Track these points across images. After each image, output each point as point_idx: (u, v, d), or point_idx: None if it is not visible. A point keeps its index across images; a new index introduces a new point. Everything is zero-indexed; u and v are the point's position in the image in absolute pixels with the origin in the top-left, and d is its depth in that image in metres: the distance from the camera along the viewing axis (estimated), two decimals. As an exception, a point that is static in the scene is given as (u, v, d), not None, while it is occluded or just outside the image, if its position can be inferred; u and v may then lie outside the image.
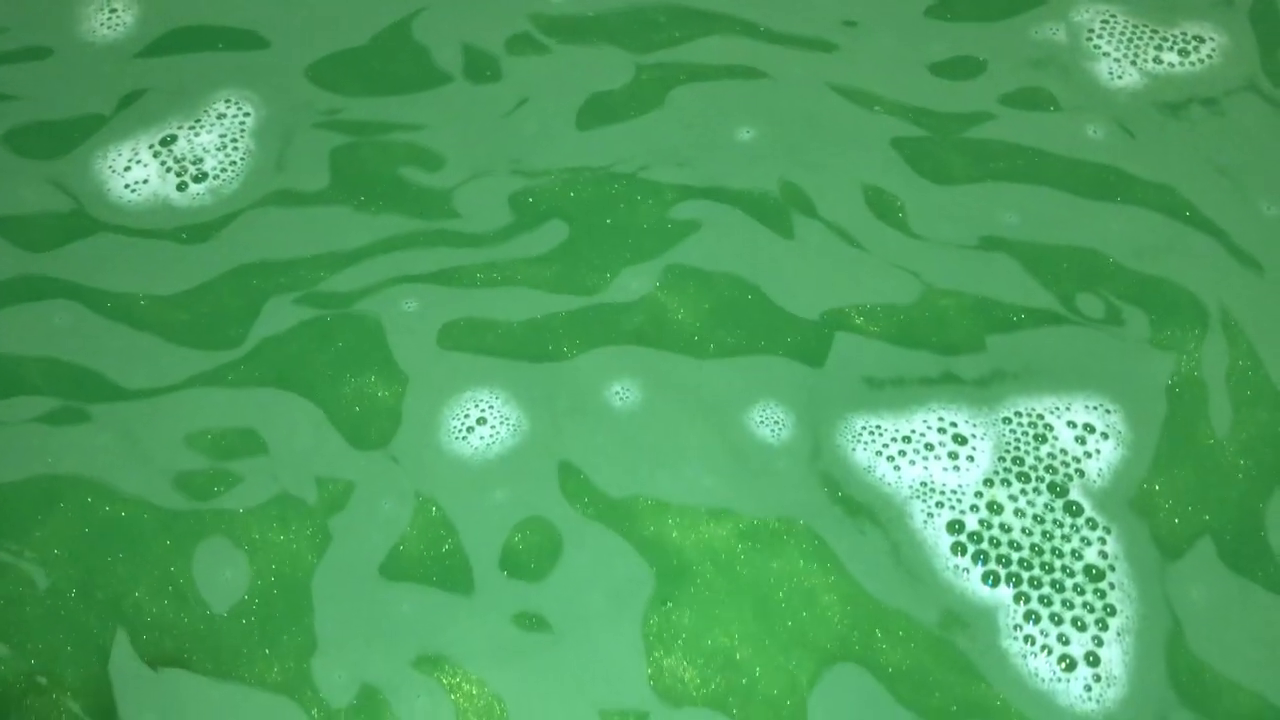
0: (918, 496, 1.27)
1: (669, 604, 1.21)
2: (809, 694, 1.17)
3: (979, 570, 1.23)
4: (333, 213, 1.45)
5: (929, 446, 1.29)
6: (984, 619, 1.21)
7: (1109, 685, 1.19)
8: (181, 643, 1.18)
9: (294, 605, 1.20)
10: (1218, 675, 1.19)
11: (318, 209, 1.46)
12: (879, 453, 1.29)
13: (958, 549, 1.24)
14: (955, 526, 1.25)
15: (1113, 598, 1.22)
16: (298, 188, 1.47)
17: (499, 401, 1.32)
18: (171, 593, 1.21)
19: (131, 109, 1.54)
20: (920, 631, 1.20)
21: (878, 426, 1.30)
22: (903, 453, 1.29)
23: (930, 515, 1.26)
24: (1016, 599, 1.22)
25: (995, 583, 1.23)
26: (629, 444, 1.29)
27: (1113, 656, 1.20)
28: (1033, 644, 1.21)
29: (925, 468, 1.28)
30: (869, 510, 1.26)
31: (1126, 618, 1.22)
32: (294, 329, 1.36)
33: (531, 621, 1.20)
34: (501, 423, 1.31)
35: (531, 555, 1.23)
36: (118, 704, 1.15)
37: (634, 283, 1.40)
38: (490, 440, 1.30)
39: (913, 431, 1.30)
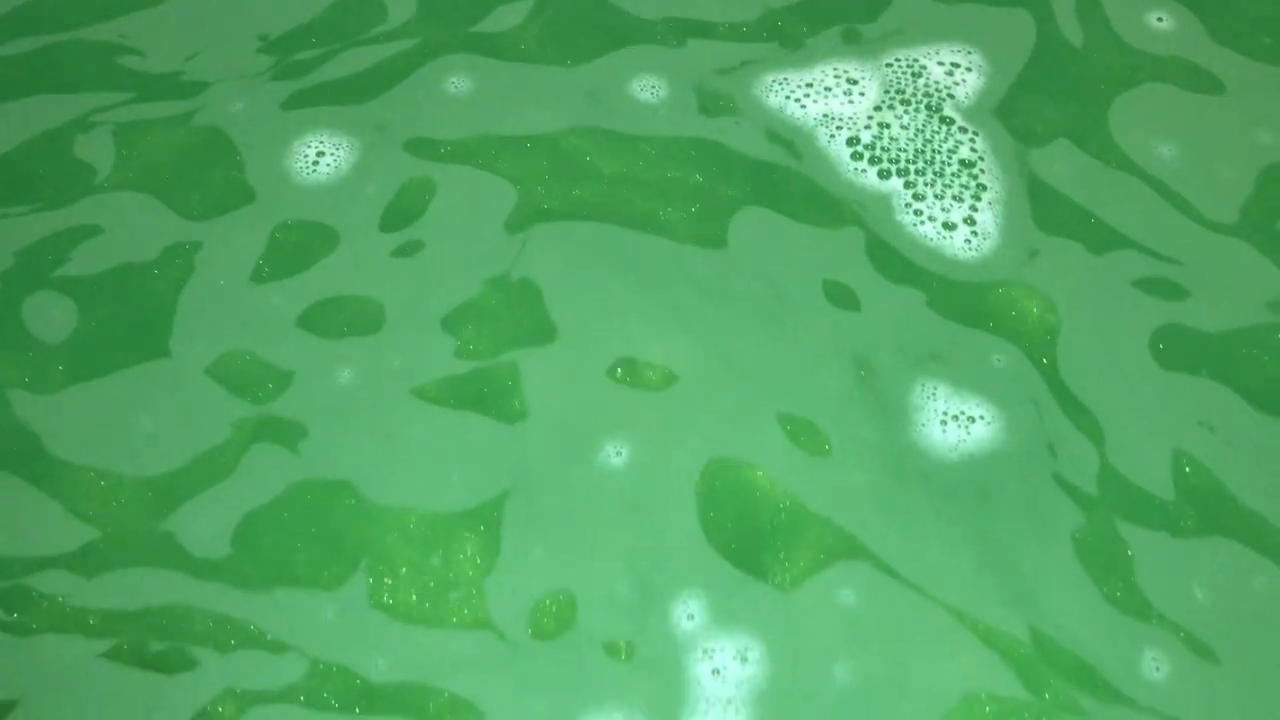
0: (821, 125, 1.59)
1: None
2: (729, 221, 1.50)
3: (874, 170, 1.56)
4: None
5: (827, 88, 1.62)
6: (881, 203, 1.53)
7: (984, 239, 1.51)
8: None
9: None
10: (1074, 205, 1.52)
11: None
12: (788, 97, 1.62)
13: (856, 157, 1.56)
14: (853, 141, 1.57)
15: (983, 179, 1.55)
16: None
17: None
18: None
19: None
20: (828, 214, 1.52)
21: (785, 78, 1.63)
22: (807, 95, 1.61)
23: (833, 136, 1.58)
24: (905, 186, 1.54)
25: (887, 176, 1.55)
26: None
27: (986, 219, 1.52)
28: (920, 215, 1.53)
29: (826, 104, 1.61)
30: (785, 139, 1.58)
31: (995, 192, 1.54)
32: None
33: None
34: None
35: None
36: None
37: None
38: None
39: (814, 79, 1.63)
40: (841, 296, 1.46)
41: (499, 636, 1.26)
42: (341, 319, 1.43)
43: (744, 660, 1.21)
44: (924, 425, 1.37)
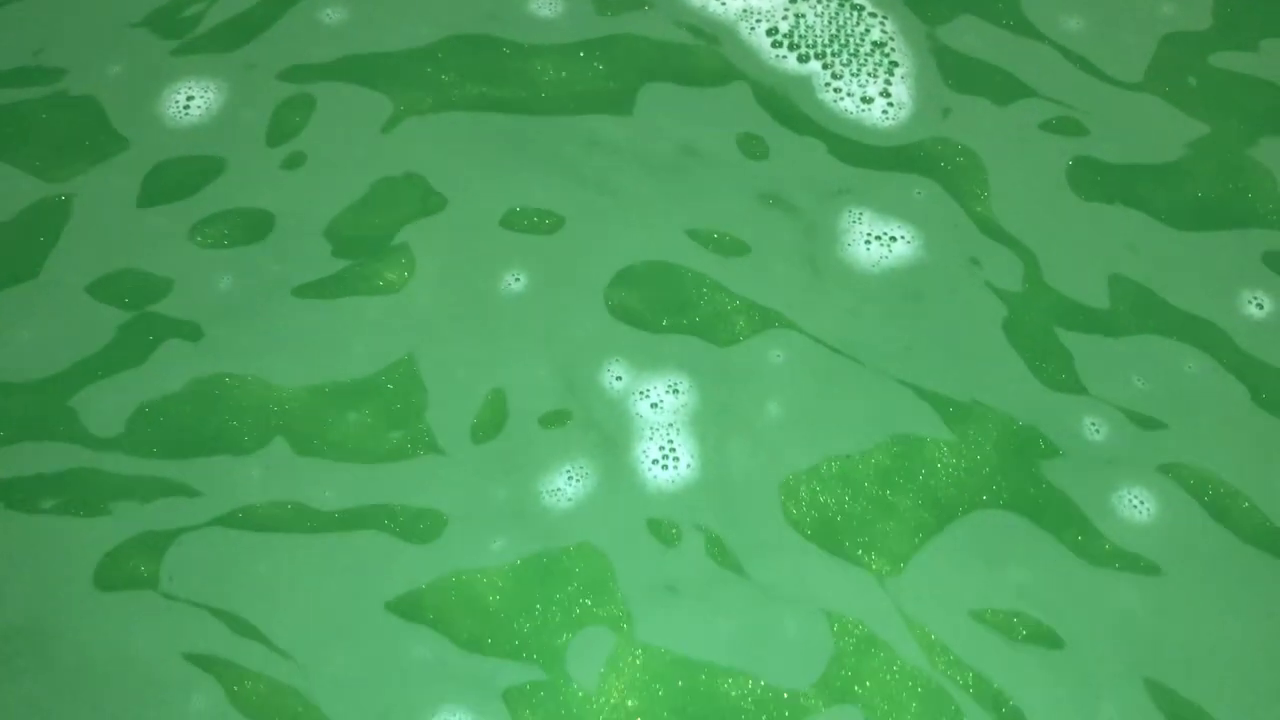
0: (742, 19, 1.67)
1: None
2: (636, 94, 1.55)
3: (794, 55, 1.63)
4: None
5: (745, -10, 1.71)
6: (801, 84, 1.60)
7: (900, 109, 1.58)
8: None
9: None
10: (983, 66, 1.59)
11: None
12: (708, -2, 1.71)
13: (776, 45, 1.64)
14: (772, 32, 1.65)
15: (895, 57, 1.62)
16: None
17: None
18: None
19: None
20: (750, 101, 1.58)
21: (705, -18, 1.72)
22: (727, -5, 1.70)
23: (753, 28, 1.66)
24: (824, 68, 1.61)
25: (806, 60, 1.62)
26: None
27: (900, 91, 1.59)
28: (840, 93, 1.59)
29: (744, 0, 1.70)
30: (708, 35, 1.66)
31: (907, 67, 1.61)
32: None
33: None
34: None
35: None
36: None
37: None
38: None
39: (733, -19, 1.72)
40: (755, 148, 1.50)
41: (444, 453, 1.26)
42: (226, 232, 1.44)
43: (676, 392, 1.23)
44: (849, 245, 1.40)
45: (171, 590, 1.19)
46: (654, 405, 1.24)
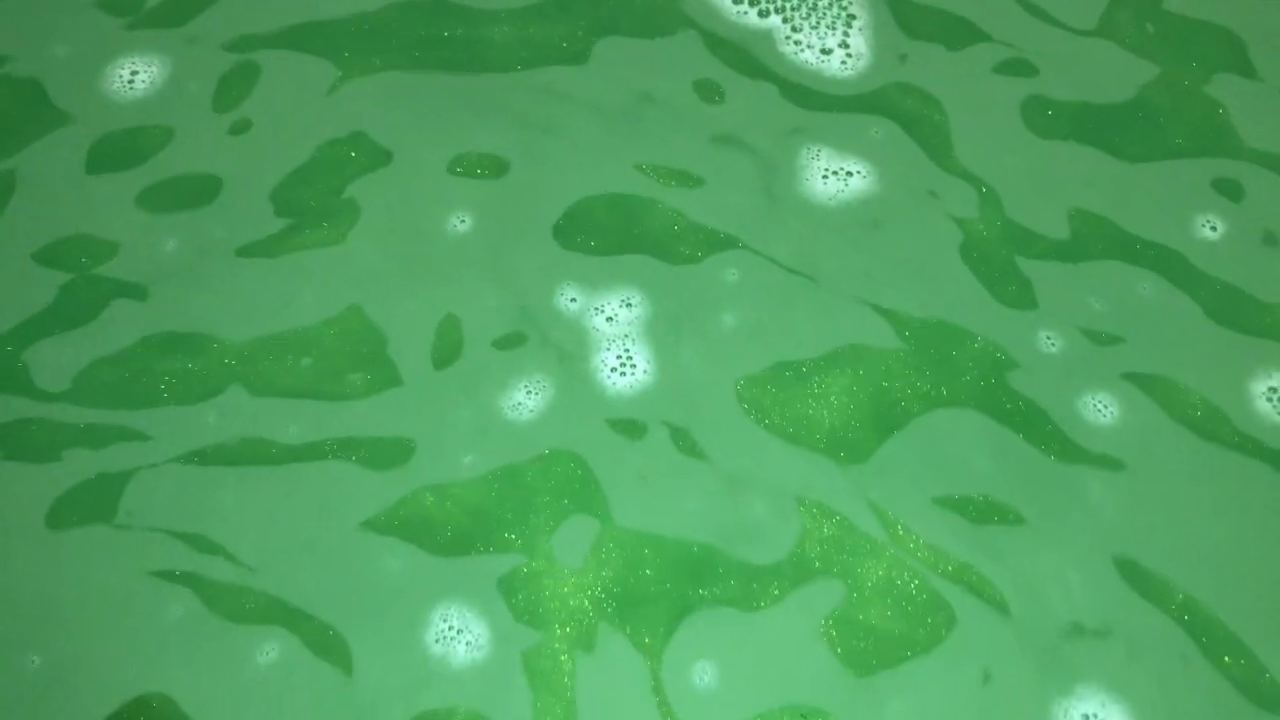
0: (704, -19, 1.70)
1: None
2: (593, 47, 1.56)
3: (754, 11, 1.65)
4: None
5: (705, -46, 1.74)
6: (762, 38, 1.62)
7: (859, 59, 1.60)
8: None
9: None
10: (938, 14, 1.61)
11: None
12: (669, -37, 1.73)
13: (737, 1, 1.66)
14: (733, -10, 1.68)
15: (852, 10, 1.65)
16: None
17: None
18: None
19: None
20: (710, 54, 1.61)
21: (666, -51, 1.75)
22: (687, -40, 1.73)
23: (715, -12, 1.69)
24: (784, 22, 1.64)
25: (767, 15, 1.65)
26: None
27: (858, 42, 1.61)
28: (799, 45, 1.62)
29: (705, -35, 1.72)
30: (668, -3, 1.69)
31: (864, 19, 1.64)
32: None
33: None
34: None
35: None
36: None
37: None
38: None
39: (692, -52, 1.75)
40: (712, 94, 1.52)
41: (404, 384, 1.26)
42: (173, 197, 1.44)
43: (629, 305, 1.23)
44: (807, 180, 1.42)
45: (129, 523, 1.20)
46: (609, 319, 1.26)
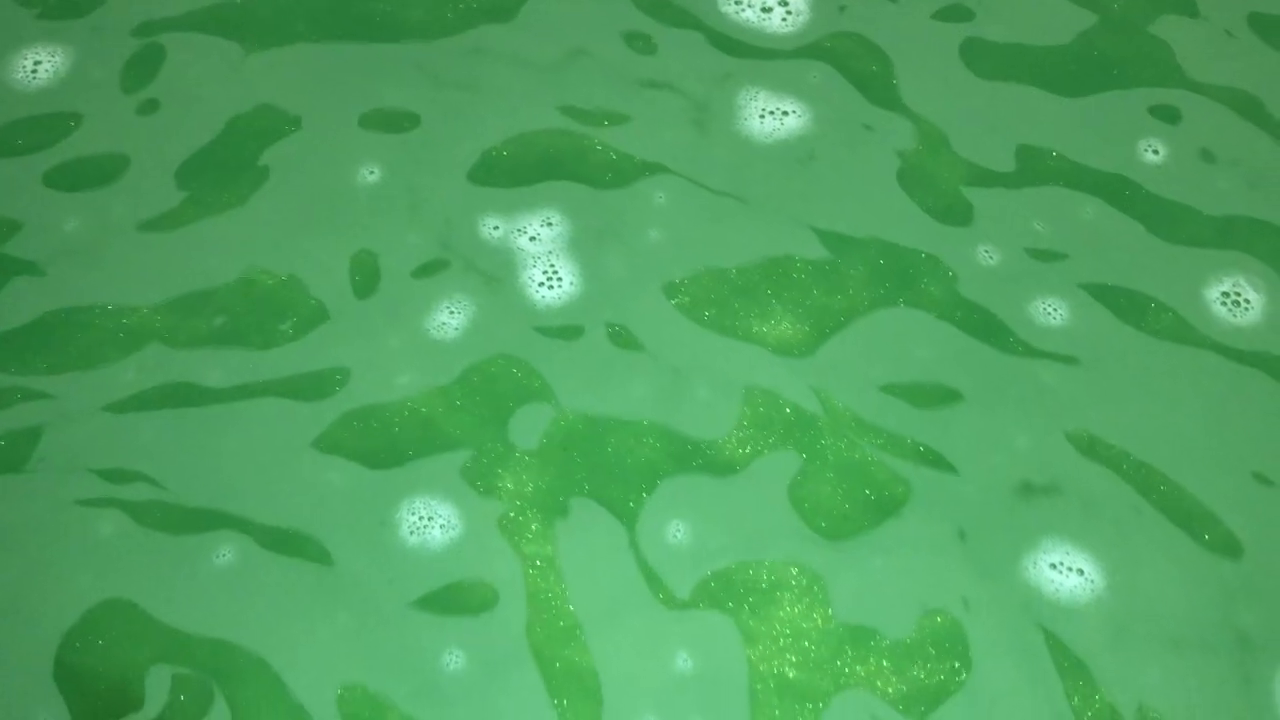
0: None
1: None
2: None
3: (692, -23, 1.65)
4: None
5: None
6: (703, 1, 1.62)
7: (798, 16, 1.59)
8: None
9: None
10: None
11: None
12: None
13: (680, -32, 1.67)
14: (670, -42, 1.68)
15: (793, -29, 1.65)
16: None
17: None
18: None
19: None
20: (646, 12, 1.60)
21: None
22: (625, -66, 1.73)
23: (651, -42, 1.69)
24: (725, -15, 1.64)
25: (706, -20, 1.65)
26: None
27: (798, 1, 1.61)
28: (740, 4, 1.61)
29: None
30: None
31: (806, -23, 1.64)
32: None
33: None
34: None
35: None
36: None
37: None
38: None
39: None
40: (646, 46, 1.51)
41: (328, 316, 1.24)
42: (78, 177, 1.42)
43: (550, 225, 1.22)
44: (744, 120, 1.40)
45: (42, 469, 1.16)
46: (532, 238, 1.24)
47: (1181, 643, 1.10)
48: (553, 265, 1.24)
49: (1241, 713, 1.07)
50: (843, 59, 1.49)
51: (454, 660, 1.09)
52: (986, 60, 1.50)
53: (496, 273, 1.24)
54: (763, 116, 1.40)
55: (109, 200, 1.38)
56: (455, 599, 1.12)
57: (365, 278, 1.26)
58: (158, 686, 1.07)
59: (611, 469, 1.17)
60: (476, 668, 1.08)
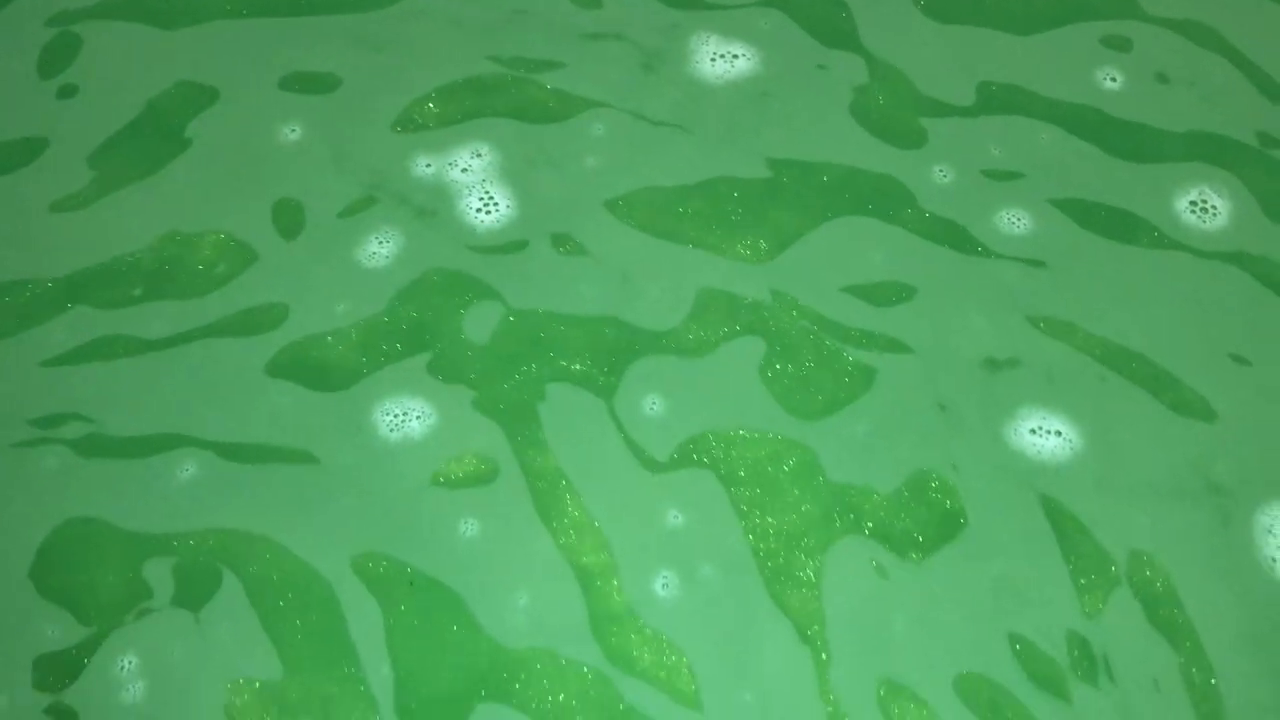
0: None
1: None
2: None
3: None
4: None
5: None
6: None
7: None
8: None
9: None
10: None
11: None
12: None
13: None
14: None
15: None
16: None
17: None
18: None
19: None
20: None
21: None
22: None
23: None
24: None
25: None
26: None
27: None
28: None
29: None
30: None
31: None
32: None
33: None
34: None
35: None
36: None
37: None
38: None
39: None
40: (589, 3, 1.48)
41: (257, 257, 1.21)
42: None
43: (479, 155, 1.21)
44: (695, 64, 1.37)
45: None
46: (464, 170, 1.23)
47: (1161, 490, 1.12)
48: (488, 192, 1.21)
49: (1224, 551, 1.09)
50: (794, 7, 1.47)
51: (469, 528, 1.10)
52: (943, 6, 1.48)
53: (430, 205, 1.22)
54: (714, 60, 1.37)
55: (22, 183, 1.34)
56: (452, 475, 1.13)
57: (291, 222, 1.23)
58: (160, 579, 1.07)
59: (574, 353, 1.18)
60: (492, 532, 1.10)
